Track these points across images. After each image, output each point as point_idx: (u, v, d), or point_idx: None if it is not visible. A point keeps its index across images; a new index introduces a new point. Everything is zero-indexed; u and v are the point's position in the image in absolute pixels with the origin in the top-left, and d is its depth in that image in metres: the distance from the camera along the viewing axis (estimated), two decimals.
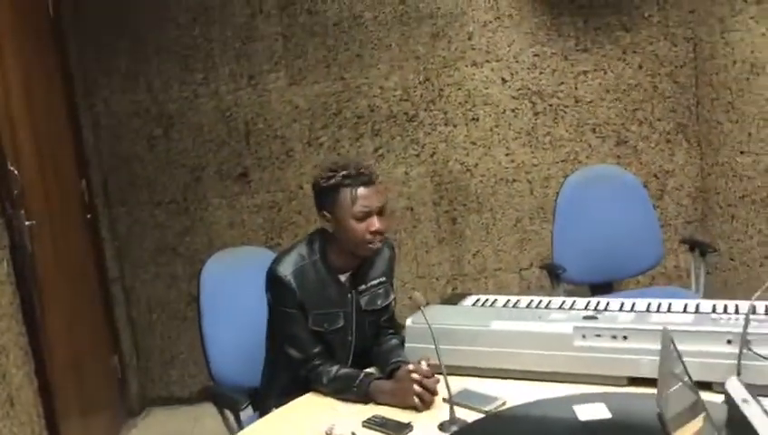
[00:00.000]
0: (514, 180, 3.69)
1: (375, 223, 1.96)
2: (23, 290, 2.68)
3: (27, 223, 2.75)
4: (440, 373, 1.78)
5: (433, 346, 1.89)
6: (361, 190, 1.95)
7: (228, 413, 2.17)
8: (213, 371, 2.36)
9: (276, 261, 2.03)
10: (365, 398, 1.87)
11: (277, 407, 1.94)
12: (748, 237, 3.35)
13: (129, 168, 3.66)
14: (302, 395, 1.97)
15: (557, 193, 3.20)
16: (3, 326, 2.50)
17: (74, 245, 3.38)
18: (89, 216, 3.50)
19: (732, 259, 3.44)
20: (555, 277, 2.98)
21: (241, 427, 2.04)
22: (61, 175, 3.30)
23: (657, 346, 1.60)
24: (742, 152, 3.32)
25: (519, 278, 3.75)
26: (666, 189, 3.68)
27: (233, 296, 2.45)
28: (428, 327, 1.81)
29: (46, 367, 2.80)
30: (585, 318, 1.91)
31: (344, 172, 1.95)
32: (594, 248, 3.09)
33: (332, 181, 1.96)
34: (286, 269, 1.99)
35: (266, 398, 2.08)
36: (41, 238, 2.87)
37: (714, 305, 1.90)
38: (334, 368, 1.96)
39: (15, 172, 2.69)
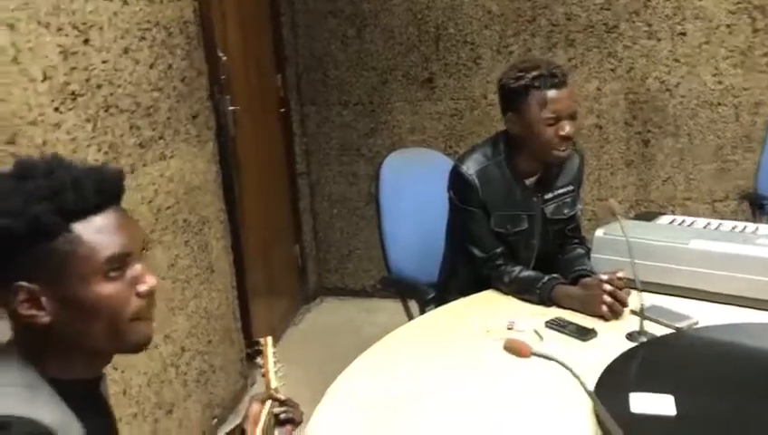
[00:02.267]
0: (719, 104, 3.38)
1: (565, 128, 1.87)
2: (224, 170, 2.90)
3: (231, 108, 2.94)
4: (633, 287, 1.71)
5: (620, 259, 1.82)
6: (552, 93, 1.85)
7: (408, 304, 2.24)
8: (390, 265, 2.44)
9: (460, 159, 2.01)
10: (547, 301, 1.85)
11: None
12: None
13: (322, 67, 3.78)
14: (483, 291, 1.98)
15: None
16: (207, 200, 2.74)
17: (269, 136, 3.59)
18: (282, 110, 3.68)
19: None
20: (759, 208, 2.73)
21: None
22: (261, 68, 3.47)
23: None
24: None
25: (711, 210, 3.48)
26: None
27: (410, 194, 2.50)
28: (624, 237, 1.73)
29: (241, 244, 3.05)
30: None
31: (535, 73, 1.85)
32: None
33: (522, 82, 1.87)
34: (470, 168, 1.96)
35: (445, 293, 2.12)
36: (242, 124, 3.06)
37: None
38: (517, 268, 1.95)
39: (224, 58, 2.86)
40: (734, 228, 1.98)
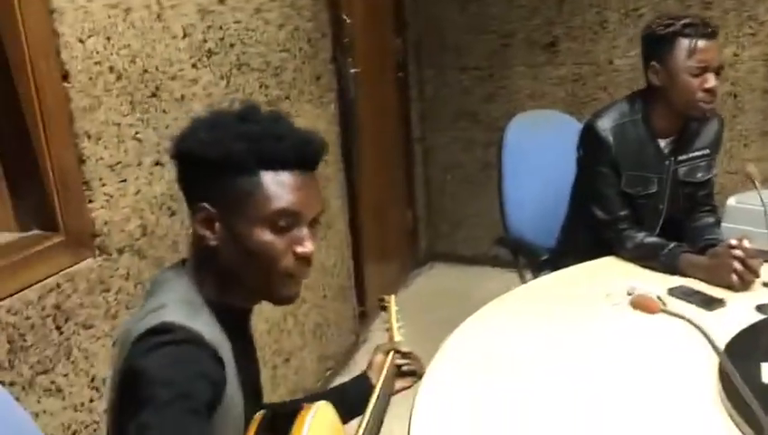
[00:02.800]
0: None
1: (711, 80, 1.80)
2: (344, 132, 2.97)
3: (352, 71, 3.00)
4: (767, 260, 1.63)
5: (754, 229, 1.74)
6: (702, 43, 1.78)
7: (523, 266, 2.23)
8: (509, 228, 2.42)
9: (595, 115, 1.97)
10: (672, 269, 1.78)
11: None
12: None
13: (442, 31, 3.76)
14: (602, 257, 1.94)
15: None
16: (328, 159, 2.81)
17: (387, 100, 3.63)
18: (401, 74, 3.71)
19: None
20: None
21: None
22: (381, 31, 3.51)
23: None
24: None
25: None
26: None
27: (534, 156, 2.46)
28: (761, 206, 1.64)
29: (357, 205, 3.12)
30: None
31: (686, 21, 1.80)
32: None
33: (671, 29, 1.81)
34: (605, 124, 1.92)
35: (564, 257, 2.08)
36: (362, 86, 3.11)
37: None
38: (641, 234, 1.89)
39: (348, 21, 2.91)
40: None
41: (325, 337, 2.85)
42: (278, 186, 1.05)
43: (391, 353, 1.46)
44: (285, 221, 1.06)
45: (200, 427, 0.90)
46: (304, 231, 1.09)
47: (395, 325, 1.54)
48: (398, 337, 1.51)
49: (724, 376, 1.24)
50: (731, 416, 1.18)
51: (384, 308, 1.59)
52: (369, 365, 1.45)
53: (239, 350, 1.10)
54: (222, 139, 1.04)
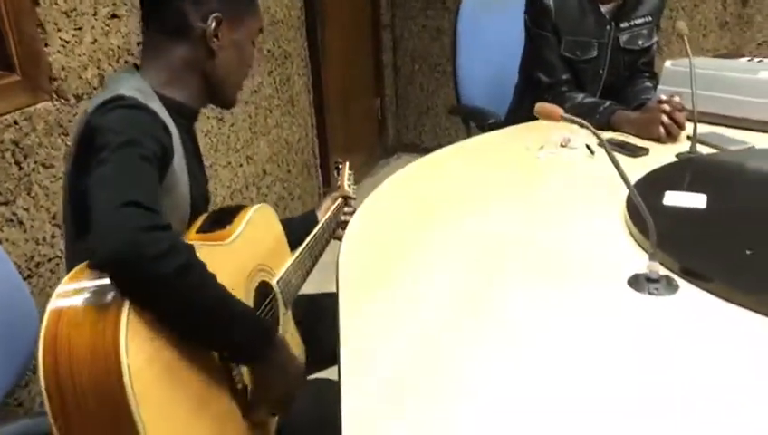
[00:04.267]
0: None
1: None
2: (308, 13, 2.98)
3: None
4: (690, 119, 1.73)
5: (688, 90, 1.82)
6: None
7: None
8: (461, 97, 2.50)
9: None
10: (606, 125, 1.88)
11: None
12: None
13: None
14: None
15: None
16: (290, 35, 2.85)
17: None
18: None
19: None
20: None
21: None
22: None
23: None
24: None
25: None
26: None
27: (486, 28, 2.52)
28: (689, 67, 1.72)
29: (322, 86, 3.17)
30: None
31: None
32: None
33: None
34: None
35: (509, 123, 2.17)
36: None
37: None
38: (580, 95, 1.98)
39: None
40: None
41: (289, 210, 2.96)
42: (258, 6, 1.28)
43: (339, 199, 1.59)
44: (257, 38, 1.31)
45: (149, 170, 0.98)
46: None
47: (346, 182, 1.66)
48: (347, 189, 1.64)
49: (630, 203, 1.35)
50: (633, 235, 1.30)
51: (338, 169, 1.70)
52: (319, 205, 1.59)
53: (187, 147, 1.19)
54: None
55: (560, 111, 1.17)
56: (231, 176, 2.51)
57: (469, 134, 2.43)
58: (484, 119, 2.26)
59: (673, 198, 1.38)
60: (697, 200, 1.36)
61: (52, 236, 1.75)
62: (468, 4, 2.54)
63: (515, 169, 1.68)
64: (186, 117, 1.23)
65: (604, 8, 2.01)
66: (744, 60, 2.10)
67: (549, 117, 1.18)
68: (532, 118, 2.01)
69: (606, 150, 1.11)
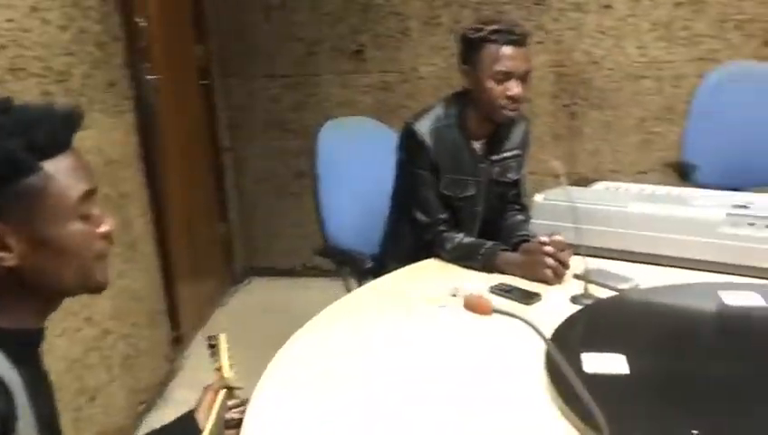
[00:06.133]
0: (643, 77, 3.45)
1: (513, 87, 1.85)
2: (145, 143, 2.74)
3: (150, 77, 2.78)
4: (577, 253, 1.70)
5: (561, 223, 1.81)
6: (506, 49, 1.83)
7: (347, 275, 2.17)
8: (328, 237, 2.35)
9: (414, 118, 1.96)
10: (490, 268, 1.81)
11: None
12: None
13: (246, 38, 3.63)
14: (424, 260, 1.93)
15: (692, 91, 2.95)
16: (127, 174, 2.57)
17: (191, 108, 3.43)
18: (205, 82, 3.52)
19: None
20: (685, 176, 2.79)
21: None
22: (182, 37, 3.31)
23: None
24: None
25: (636, 182, 3.56)
26: None
27: (348, 164, 2.41)
28: (566, 202, 1.72)
29: (164, 222, 2.89)
30: (735, 207, 1.77)
31: (494, 27, 1.83)
32: (731, 152, 2.86)
33: (479, 34, 1.85)
34: (423, 127, 1.92)
35: (387, 261, 2.06)
36: (164, 94, 2.90)
37: None
38: (459, 235, 1.91)
39: (143, 24, 2.69)
40: (668, 192, 2.00)
41: (136, 368, 2.60)
42: (67, 171, 0.96)
43: (222, 392, 1.32)
44: (86, 206, 0.98)
45: None
46: (98, 209, 1.01)
47: (226, 364, 1.39)
48: (228, 373, 1.37)
49: (551, 367, 1.25)
50: (556, 404, 1.19)
51: (213, 347, 1.43)
52: (198, 405, 1.31)
53: (32, 387, 0.94)
54: None
55: (491, 304, 1.04)
56: (67, 344, 2.14)
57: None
58: (357, 264, 2.11)
59: (593, 363, 1.29)
60: (618, 364, 1.28)
61: None
62: (327, 135, 2.41)
63: (410, 322, 1.54)
64: (28, 344, 0.97)
65: (477, 144, 1.98)
66: (601, 186, 2.15)
67: (479, 311, 1.05)
68: (409, 258, 1.96)
69: (548, 348, 0.99)
